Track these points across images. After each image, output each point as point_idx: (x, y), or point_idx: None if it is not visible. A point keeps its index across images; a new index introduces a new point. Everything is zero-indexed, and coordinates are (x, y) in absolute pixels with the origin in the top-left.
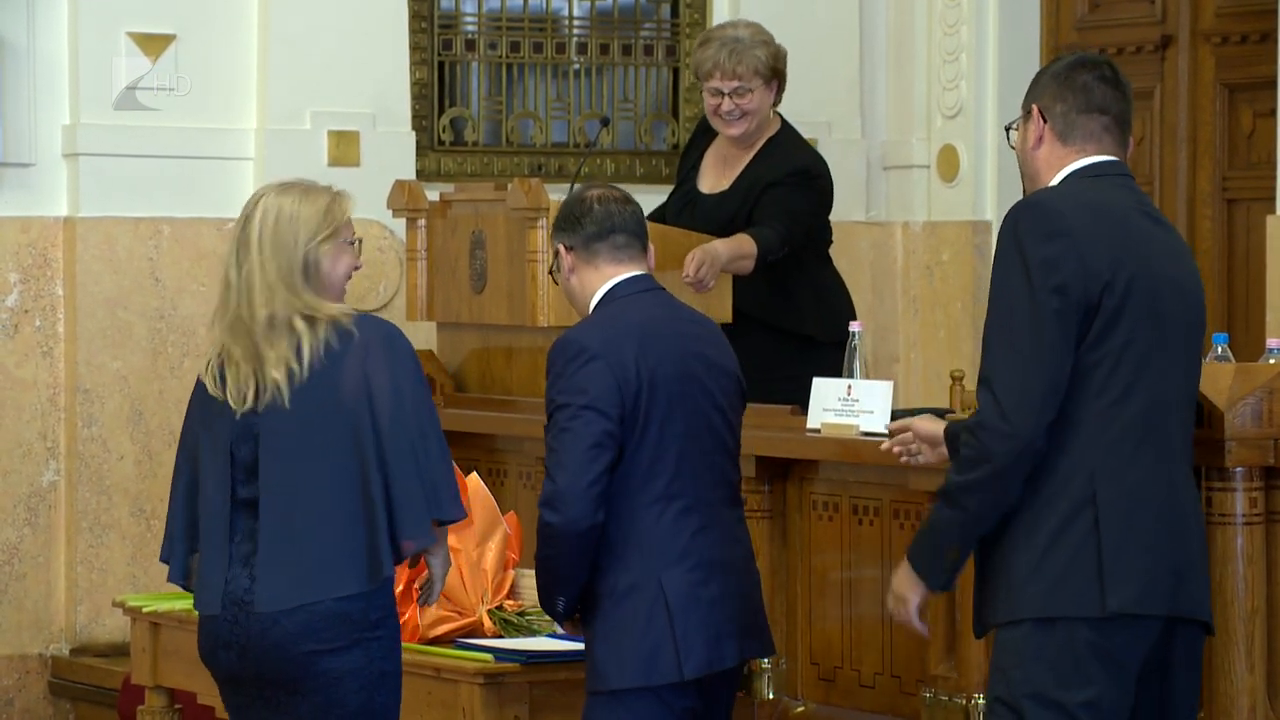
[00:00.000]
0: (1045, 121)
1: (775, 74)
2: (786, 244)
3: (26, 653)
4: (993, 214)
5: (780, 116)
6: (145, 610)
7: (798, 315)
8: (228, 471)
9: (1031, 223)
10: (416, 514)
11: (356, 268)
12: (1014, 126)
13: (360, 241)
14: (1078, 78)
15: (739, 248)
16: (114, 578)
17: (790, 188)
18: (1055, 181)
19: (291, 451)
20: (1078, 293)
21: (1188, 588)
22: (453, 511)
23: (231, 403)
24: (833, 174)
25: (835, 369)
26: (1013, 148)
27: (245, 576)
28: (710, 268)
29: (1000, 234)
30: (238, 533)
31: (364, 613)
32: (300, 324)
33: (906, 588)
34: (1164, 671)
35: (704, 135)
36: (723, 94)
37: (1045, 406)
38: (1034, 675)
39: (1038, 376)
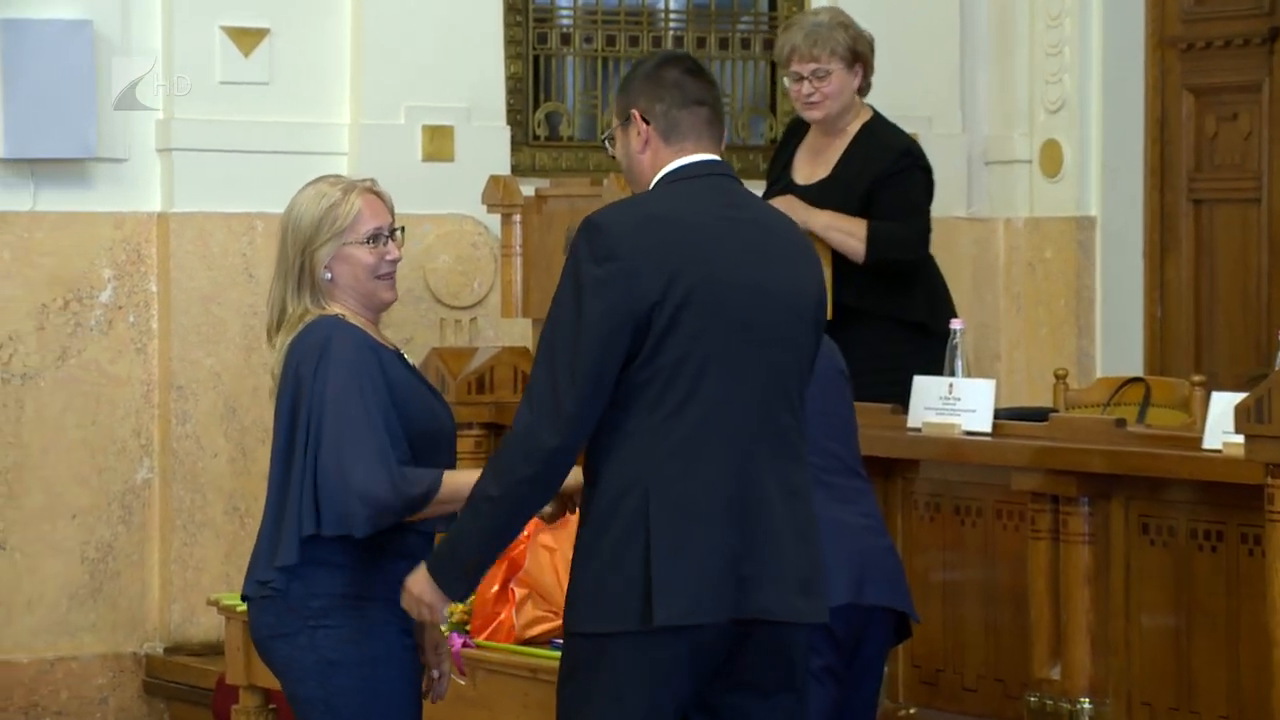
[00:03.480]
0: (648, 123)
1: (856, 57)
2: (924, 243)
3: (121, 651)
4: (1097, 210)
5: (871, 107)
6: (239, 609)
7: (910, 301)
8: None
9: (587, 244)
10: (290, 529)
11: (393, 259)
12: (610, 137)
13: (398, 231)
14: (667, 75)
15: (844, 222)
16: (208, 576)
17: (904, 175)
18: (652, 186)
19: (271, 451)
20: (623, 314)
21: (757, 590)
22: (330, 526)
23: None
24: (933, 169)
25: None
26: (613, 157)
27: None
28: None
29: (569, 249)
30: None
31: (306, 600)
32: (284, 330)
33: (430, 595)
34: (735, 669)
35: (793, 136)
36: (802, 78)
37: (575, 427)
38: (581, 690)
39: (569, 396)
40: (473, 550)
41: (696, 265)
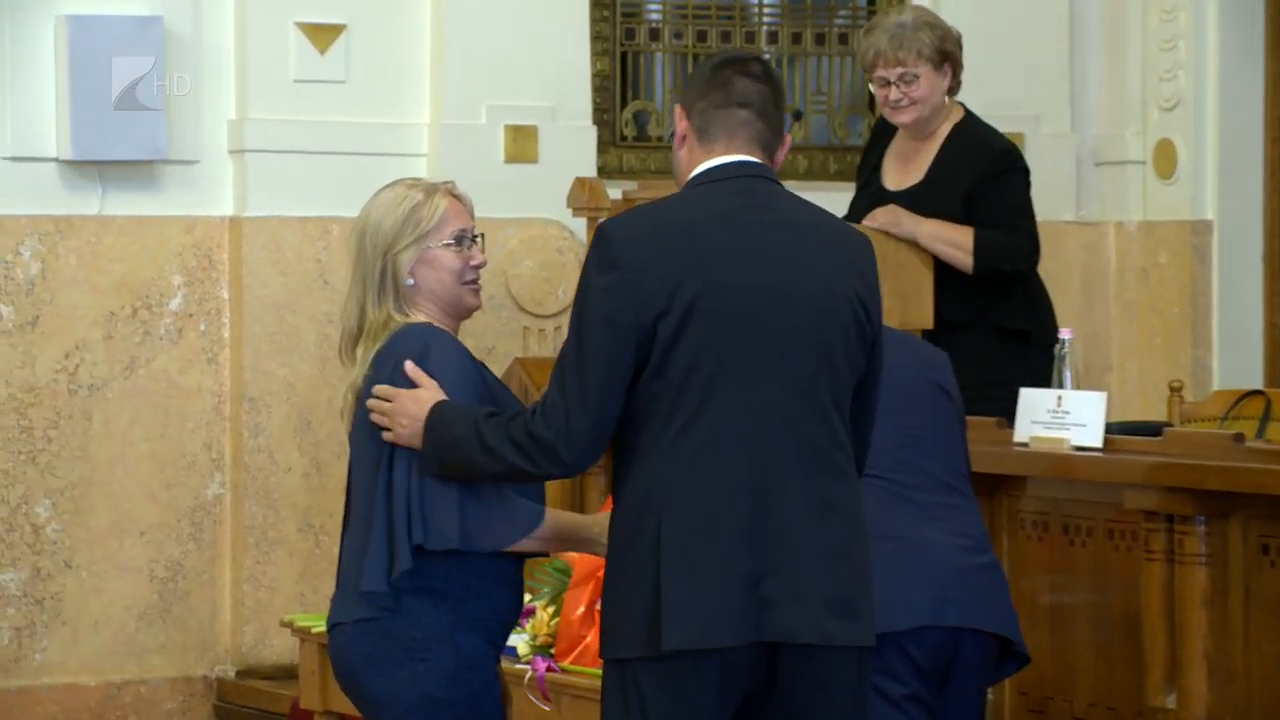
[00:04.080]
0: (687, 120)
1: (945, 57)
2: (1035, 250)
3: (191, 675)
4: (1214, 213)
5: (963, 106)
6: (314, 630)
7: (1010, 309)
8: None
9: (594, 253)
10: (400, 543)
11: (478, 265)
12: (673, 134)
13: (479, 237)
14: (721, 74)
15: (950, 232)
16: (281, 596)
17: (1003, 178)
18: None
19: (354, 468)
20: (627, 324)
21: (778, 611)
22: (433, 540)
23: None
24: (1041, 170)
25: (1049, 372)
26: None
27: None
28: (895, 228)
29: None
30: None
31: (408, 630)
32: (366, 340)
33: (413, 439)
34: (775, 696)
35: (881, 137)
36: (889, 83)
37: (586, 442)
38: (617, 717)
39: (578, 411)
40: (456, 468)
41: (706, 271)
